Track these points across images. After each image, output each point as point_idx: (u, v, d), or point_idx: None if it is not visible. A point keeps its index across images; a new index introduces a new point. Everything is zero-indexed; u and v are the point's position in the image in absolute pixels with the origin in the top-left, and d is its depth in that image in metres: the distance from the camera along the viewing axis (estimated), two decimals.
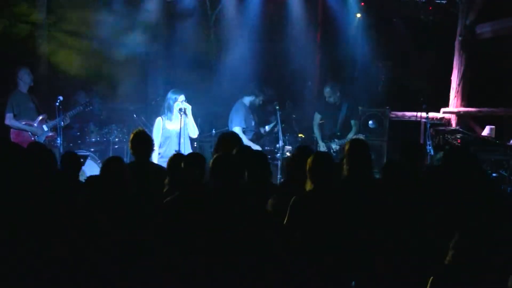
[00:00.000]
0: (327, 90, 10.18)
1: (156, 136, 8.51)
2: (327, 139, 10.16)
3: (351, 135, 10.08)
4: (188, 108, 8.64)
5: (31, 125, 9.18)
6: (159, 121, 8.68)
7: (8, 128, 9.10)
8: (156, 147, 8.26)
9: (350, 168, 5.90)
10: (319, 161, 5.37)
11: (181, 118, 8.45)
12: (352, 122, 10.17)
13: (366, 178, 5.85)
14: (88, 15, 12.42)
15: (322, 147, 10.00)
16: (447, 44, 13.85)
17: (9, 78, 9.57)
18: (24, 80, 9.21)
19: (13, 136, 9.06)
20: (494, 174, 9.77)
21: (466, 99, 13.32)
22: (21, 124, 9.11)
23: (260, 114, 10.61)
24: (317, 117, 10.43)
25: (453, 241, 4.69)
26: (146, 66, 13.36)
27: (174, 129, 8.62)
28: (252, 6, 13.72)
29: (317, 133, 10.37)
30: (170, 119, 8.65)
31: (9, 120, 9.08)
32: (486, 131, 11.43)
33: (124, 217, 5.16)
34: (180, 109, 8.51)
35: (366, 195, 5.44)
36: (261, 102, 9.99)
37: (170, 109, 8.64)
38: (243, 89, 9.98)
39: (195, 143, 10.68)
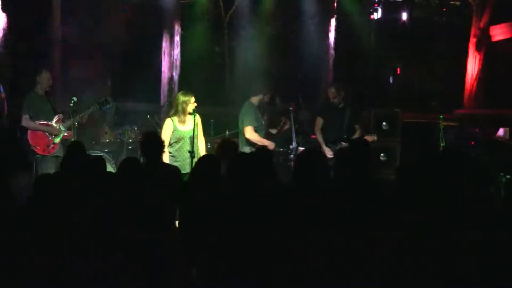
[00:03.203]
0: (332, 91, 9.86)
1: (166, 137, 8.49)
2: (331, 142, 9.95)
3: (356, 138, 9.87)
4: (198, 117, 8.70)
5: (48, 125, 9.23)
6: (169, 122, 8.66)
7: (26, 129, 9.18)
8: (166, 148, 8.30)
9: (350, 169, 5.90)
10: (301, 157, 5.45)
11: (194, 119, 8.47)
12: (356, 126, 10.02)
13: (366, 179, 5.79)
14: (100, 15, 12.51)
15: (327, 152, 9.79)
16: (460, 45, 13.85)
17: (24, 79, 9.64)
18: (42, 83, 9.22)
19: (30, 137, 9.13)
20: (507, 176, 9.69)
21: (479, 101, 13.31)
22: (37, 124, 9.17)
23: (272, 114, 10.63)
24: (320, 122, 10.04)
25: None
26: (159, 67, 13.40)
27: (186, 130, 8.64)
28: (266, 8, 13.76)
29: (319, 137, 9.99)
30: (183, 121, 8.66)
31: (25, 121, 9.15)
32: (500, 133, 11.38)
33: (140, 217, 5.22)
34: (193, 110, 8.54)
35: (364, 196, 5.40)
36: (269, 100, 9.95)
37: (184, 112, 8.64)
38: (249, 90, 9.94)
39: (208, 144, 10.71)
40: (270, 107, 10.30)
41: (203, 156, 6.84)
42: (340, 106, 9.86)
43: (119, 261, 4.96)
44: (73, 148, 6.83)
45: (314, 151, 5.95)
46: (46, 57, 11.91)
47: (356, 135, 9.80)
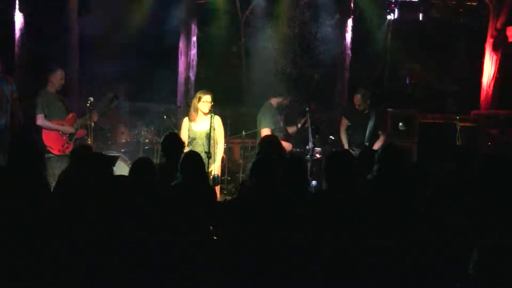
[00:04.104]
0: (358, 97, 9.84)
1: (184, 136, 8.47)
2: (354, 146, 9.95)
3: (379, 144, 9.90)
4: (218, 119, 8.67)
5: (62, 125, 9.24)
6: (185, 121, 8.67)
7: (40, 128, 9.19)
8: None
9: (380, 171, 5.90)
10: (332, 160, 5.41)
11: (211, 120, 8.42)
12: (380, 132, 10.02)
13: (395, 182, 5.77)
14: (117, 15, 12.57)
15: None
16: (477, 46, 13.78)
17: (40, 78, 9.68)
18: (55, 82, 9.23)
19: (45, 137, 9.12)
20: None
21: (496, 101, 13.23)
22: (52, 124, 9.18)
23: (288, 115, 10.62)
24: (345, 122, 10.15)
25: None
26: (177, 67, 13.43)
27: (199, 130, 8.62)
28: (282, 8, 13.76)
29: (344, 138, 10.11)
30: (194, 119, 8.64)
31: (40, 120, 9.13)
32: None
33: (152, 218, 5.22)
34: (210, 110, 8.49)
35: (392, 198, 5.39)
36: (288, 103, 9.96)
37: (194, 109, 8.63)
38: (271, 90, 9.96)
39: (225, 144, 10.70)
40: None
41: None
42: (365, 112, 9.86)
43: (121, 262, 4.98)
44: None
45: (345, 153, 5.95)
46: (63, 57, 11.96)
47: (380, 142, 9.81)
